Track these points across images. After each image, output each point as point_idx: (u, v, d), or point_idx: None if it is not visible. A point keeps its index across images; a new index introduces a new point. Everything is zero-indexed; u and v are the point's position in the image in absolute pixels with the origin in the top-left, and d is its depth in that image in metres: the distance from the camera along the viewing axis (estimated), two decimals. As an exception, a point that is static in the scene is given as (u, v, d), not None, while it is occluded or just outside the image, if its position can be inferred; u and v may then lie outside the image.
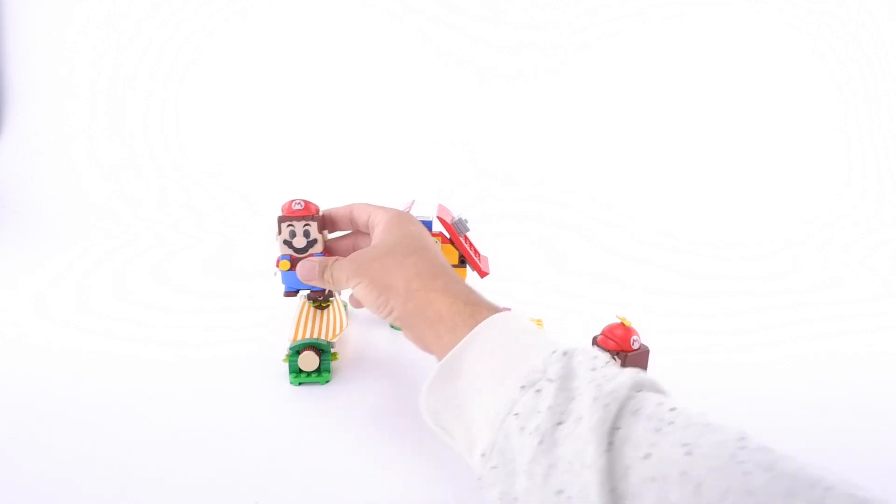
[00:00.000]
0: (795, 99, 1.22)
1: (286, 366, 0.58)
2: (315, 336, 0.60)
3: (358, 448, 0.46)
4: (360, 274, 0.45)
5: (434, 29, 1.22)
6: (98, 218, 1.08)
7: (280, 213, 0.51)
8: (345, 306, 0.68)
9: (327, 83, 1.22)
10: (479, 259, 0.71)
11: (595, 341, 0.49)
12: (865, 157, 1.22)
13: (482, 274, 0.68)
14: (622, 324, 0.48)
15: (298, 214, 0.51)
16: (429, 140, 1.22)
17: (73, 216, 1.08)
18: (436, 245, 0.48)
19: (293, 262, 0.51)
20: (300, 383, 0.56)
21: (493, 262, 0.74)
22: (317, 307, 0.68)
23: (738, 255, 0.99)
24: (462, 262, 0.67)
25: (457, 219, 0.66)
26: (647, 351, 0.48)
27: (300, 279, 0.48)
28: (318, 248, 0.52)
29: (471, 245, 0.70)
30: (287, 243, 0.51)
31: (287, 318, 0.68)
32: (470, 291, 0.43)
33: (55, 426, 0.48)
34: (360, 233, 0.54)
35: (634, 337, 0.47)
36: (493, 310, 0.40)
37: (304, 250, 0.51)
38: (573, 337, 0.66)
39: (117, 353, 0.61)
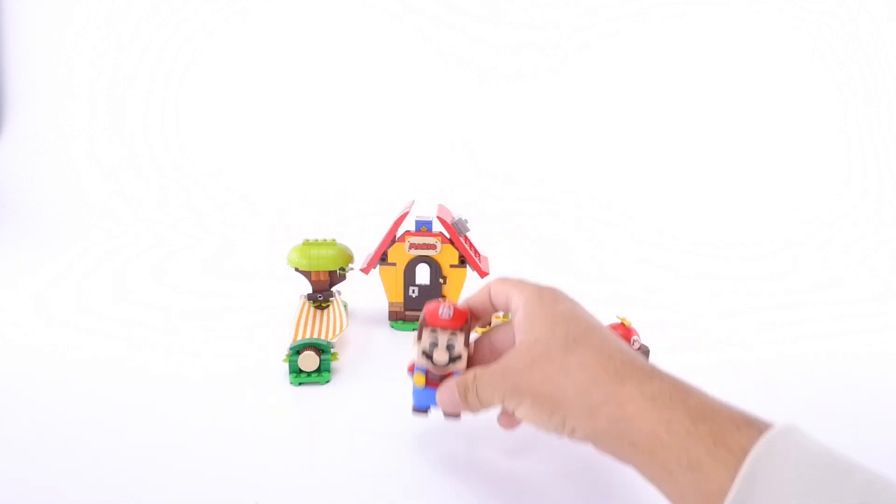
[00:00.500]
0: (795, 98, 1.22)
1: (286, 366, 0.58)
2: (315, 336, 0.60)
3: (358, 448, 0.46)
4: (516, 391, 0.35)
5: (434, 29, 1.22)
6: (98, 218, 1.08)
7: (422, 316, 0.43)
8: (345, 306, 0.68)
9: (327, 83, 1.22)
10: (479, 259, 0.71)
11: None
12: (865, 157, 1.22)
13: (482, 274, 0.68)
14: (622, 324, 0.48)
15: (445, 325, 0.42)
16: (429, 140, 1.22)
17: (74, 216, 1.08)
18: (597, 321, 0.37)
19: (428, 378, 0.43)
20: (300, 383, 0.56)
21: (493, 262, 0.74)
22: (317, 307, 0.68)
23: (738, 255, 0.99)
24: (462, 262, 0.67)
25: (457, 219, 0.66)
26: (648, 351, 0.48)
27: (441, 408, 0.42)
28: (462, 364, 0.42)
29: (471, 245, 0.70)
30: (426, 354, 0.43)
31: (287, 319, 0.68)
32: (682, 389, 0.31)
33: (55, 425, 0.48)
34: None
35: (635, 337, 0.47)
36: (741, 424, 0.28)
37: (444, 366, 0.43)
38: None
39: (117, 354, 0.61)
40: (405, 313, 0.69)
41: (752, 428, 0.28)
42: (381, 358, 0.62)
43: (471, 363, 0.43)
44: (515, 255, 0.95)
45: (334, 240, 0.68)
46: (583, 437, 0.33)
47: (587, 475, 0.44)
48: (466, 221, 0.67)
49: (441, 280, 0.67)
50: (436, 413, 0.43)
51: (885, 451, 0.48)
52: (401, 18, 1.21)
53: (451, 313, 0.42)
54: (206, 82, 1.22)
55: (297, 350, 0.55)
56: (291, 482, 0.42)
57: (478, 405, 0.38)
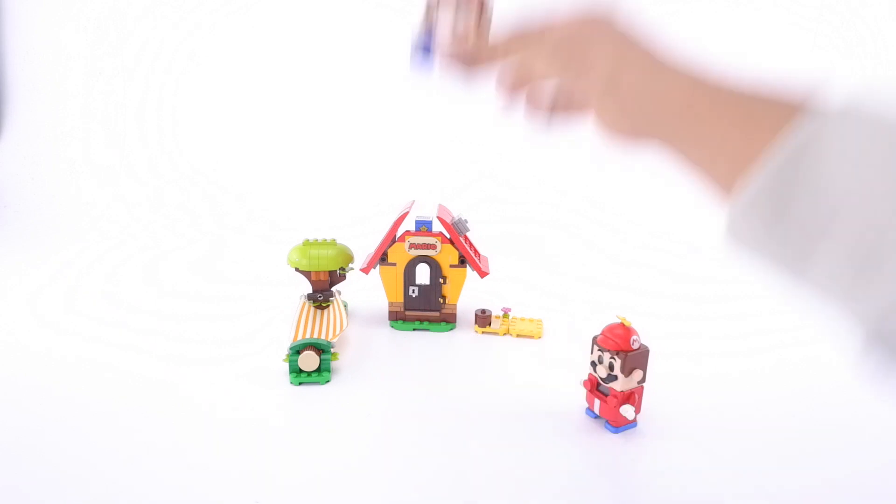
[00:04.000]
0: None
1: (286, 366, 0.58)
2: (315, 336, 0.60)
3: (358, 448, 0.46)
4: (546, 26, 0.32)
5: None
6: (97, 219, 1.08)
7: None
8: (345, 306, 0.68)
9: (327, 83, 1.22)
10: (479, 259, 0.71)
11: (595, 341, 0.49)
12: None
13: (482, 274, 0.68)
14: (622, 324, 0.48)
15: None
16: (429, 140, 1.22)
17: (73, 216, 1.08)
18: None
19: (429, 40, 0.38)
20: (300, 383, 0.56)
21: (493, 262, 0.74)
22: (317, 307, 0.68)
23: (739, 257, 0.99)
24: (462, 262, 0.67)
25: (457, 219, 0.67)
26: (647, 351, 0.48)
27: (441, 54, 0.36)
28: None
29: (471, 245, 0.70)
30: (427, 28, 0.37)
31: (287, 319, 0.68)
32: (714, 71, 0.29)
33: (56, 425, 0.48)
34: None
35: (634, 337, 0.47)
36: (776, 104, 0.26)
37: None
38: (573, 336, 0.67)
39: (117, 354, 0.61)
40: (405, 313, 0.69)
41: (785, 104, 0.25)
42: (381, 358, 0.62)
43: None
44: (515, 256, 0.95)
45: (334, 240, 0.68)
46: (601, 92, 0.30)
47: (590, 475, 0.44)
48: (466, 221, 0.67)
49: (441, 280, 0.67)
50: (436, 75, 0.39)
51: (887, 452, 0.48)
52: (401, 18, 1.21)
53: None
54: (205, 82, 1.22)
55: (297, 350, 0.55)
56: (291, 482, 0.42)
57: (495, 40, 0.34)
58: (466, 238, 0.69)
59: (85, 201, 1.12)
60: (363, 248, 0.71)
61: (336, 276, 0.68)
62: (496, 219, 1.09)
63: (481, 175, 1.19)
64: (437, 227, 0.67)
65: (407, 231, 0.66)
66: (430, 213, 0.68)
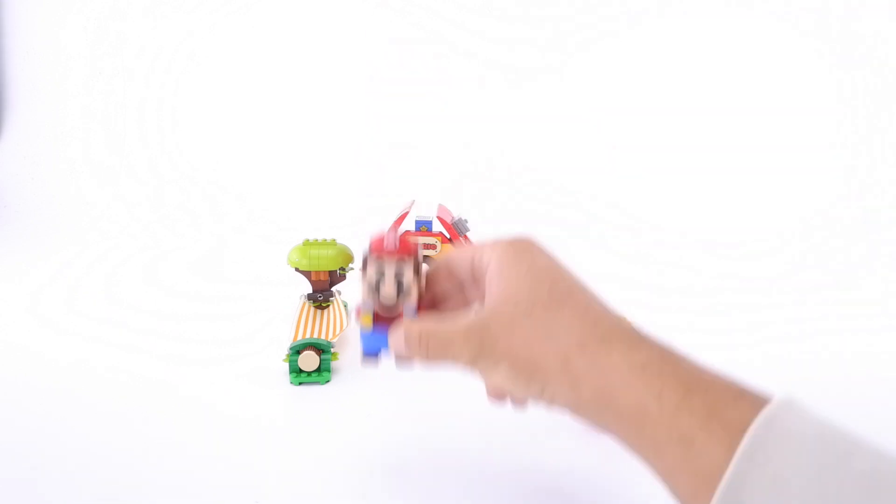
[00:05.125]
0: (796, 96, 1.22)
1: (286, 366, 0.58)
2: (315, 336, 0.60)
3: (358, 448, 0.46)
4: (491, 354, 0.31)
5: (434, 28, 1.22)
6: (97, 219, 1.08)
7: (366, 249, 0.40)
8: (345, 306, 0.68)
9: (326, 82, 1.22)
10: (479, 259, 0.71)
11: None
12: (865, 157, 1.22)
13: (482, 274, 0.68)
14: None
15: (392, 254, 0.38)
16: (429, 140, 1.22)
17: (74, 217, 1.08)
18: (579, 278, 0.34)
19: (378, 318, 0.39)
20: (300, 383, 0.56)
21: (493, 262, 0.74)
22: (317, 307, 0.68)
23: (739, 254, 0.99)
24: (462, 262, 0.67)
25: (457, 219, 0.67)
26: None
27: (395, 355, 0.38)
28: (412, 300, 0.38)
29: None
30: (373, 289, 0.38)
31: (287, 319, 0.68)
32: (673, 357, 0.29)
33: (56, 425, 0.48)
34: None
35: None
36: (737, 396, 0.26)
37: (392, 303, 0.38)
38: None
39: (117, 354, 0.61)
40: (405, 313, 0.69)
41: (749, 401, 0.26)
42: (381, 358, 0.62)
43: (423, 299, 0.39)
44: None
45: (334, 240, 0.68)
46: (563, 405, 0.30)
47: (591, 475, 0.44)
48: (466, 221, 0.67)
49: (441, 280, 0.67)
50: (388, 360, 0.39)
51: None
52: (401, 17, 1.21)
53: (398, 244, 0.38)
54: (205, 83, 1.22)
55: (297, 350, 0.55)
56: (291, 482, 0.42)
57: (440, 361, 0.34)
58: (466, 238, 0.69)
59: (85, 201, 1.12)
60: (363, 248, 0.71)
61: (336, 276, 0.68)
62: (496, 219, 1.09)
63: (481, 175, 1.19)
64: (437, 227, 0.67)
65: (407, 231, 0.66)
66: (430, 213, 0.68)
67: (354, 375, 0.58)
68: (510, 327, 0.31)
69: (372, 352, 0.40)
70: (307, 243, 0.67)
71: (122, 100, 1.21)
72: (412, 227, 0.66)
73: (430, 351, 0.34)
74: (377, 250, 0.39)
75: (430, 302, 0.39)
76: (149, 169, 1.18)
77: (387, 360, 0.39)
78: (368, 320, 0.39)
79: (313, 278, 0.67)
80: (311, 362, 0.55)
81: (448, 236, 0.66)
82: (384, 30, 1.21)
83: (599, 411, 0.29)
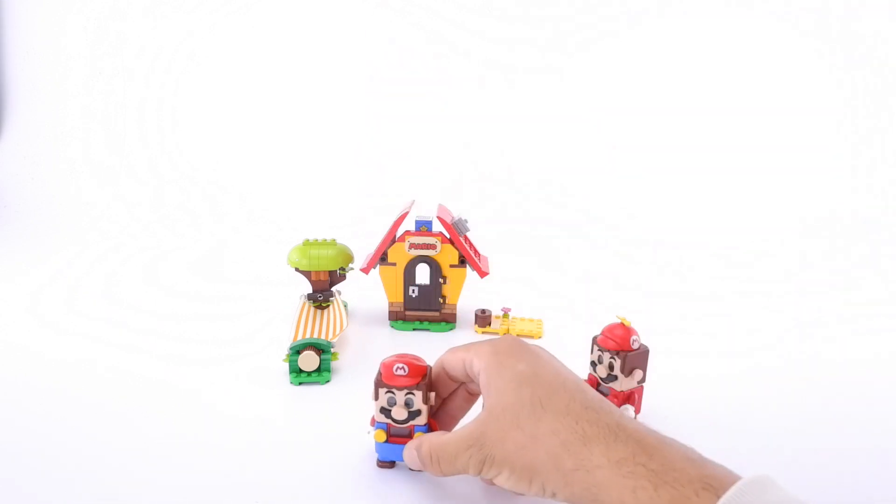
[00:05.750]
0: (796, 97, 1.22)
1: (286, 366, 0.58)
2: (315, 336, 0.60)
3: (358, 448, 0.46)
4: (492, 463, 0.35)
5: (435, 27, 1.22)
6: (97, 219, 1.08)
7: (378, 374, 0.43)
8: (345, 306, 0.68)
9: (326, 82, 1.22)
10: (479, 259, 0.71)
11: (595, 341, 0.49)
12: (867, 157, 1.22)
13: (482, 274, 0.68)
14: (622, 324, 0.48)
15: (401, 383, 0.41)
16: (429, 140, 1.22)
17: (73, 217, 1.08)
18: (559, 373, 0.37)
19: (390, 433, 0.43)
20: (300, 383, 0.56)
21: (493, 262, 0.74)
22: (317, 307, 0.68)
23: (739, 256, 0.99)
24: (462, 262, 0.67)
25: (457, 219, 0.67)
26: (647, 351, 0.48)
27: (408, 465, 0.42)
28: (422, 420, 0.42)
29: (471, 245, 0.70)
30: (384, 411, 0.42)
31: (287, 319, 0.68)
32: (646, 450, 0.32)
33: (56, 425, 0.48)
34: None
35: (634, 337, 0.47)
36: (700, 489, 0.29)
37: (404, 422, 0.42)
38: (573, 336, 0.67)
39: (118, 354, 0.61)
40: (405, 313, 0.69)
41: (712, 492, 0.29)
42: (381, 358, 0.62)
43: (434, 418, 0.44)
44: (515, 255, 0.95)
45: (334, 240, 0.68)
46: (563, 499, 0.34)
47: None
48: (466, 221, 0.67)
49: (441, 280, 0.67)
50: (402, 466, 0.43)
51: (888, 455, 0.48)
52: (400, 16, 1.21)
53: (407, 370, 0.42)
54: (205, 83, 1.22)
55: (297, 350, 0.55)
56: (291, 482, 0.42)
57: (448, 473, 0.38)
58: (466, 238, 0.69)
59: (85, 201, 1.12)
60: (363, 248, 0.71)
61: (336, 276, 0.68)
62: (496, 219, 1.09)
63: (481, 175, 1.19)
64: (437, 227, 0.67)
65: (407, 231, 0.66)
66: (430, 213, 0.68)
67: (354, 375, 0.58)
68: (503, 438, 0.35)
69: (386, 459, 0.44)
70: (307, 243, 0.67)
71: (122, 100, 1.21)
72: (412, 227, 0.66)
73: (442, 467, 0.38)
74: (388, 380, 0.42)
75: (439, 404, 0.45)
76: (149, 169, 1.18)
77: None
78: (382, 436, 0.43)
79: (313, 278, 0.67)
80: (311, 362, 0.55)
81: (448, 236, 0.66)
82: (384, 30, 1.21)
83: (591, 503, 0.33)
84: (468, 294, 0.71)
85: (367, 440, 0.46)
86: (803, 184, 1.18)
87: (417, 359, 0.43)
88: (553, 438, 0.34)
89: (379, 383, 0.42)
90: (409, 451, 0.41)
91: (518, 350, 0.39)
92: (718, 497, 0.28)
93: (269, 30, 1.21)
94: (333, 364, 0.59)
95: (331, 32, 1.21)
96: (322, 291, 0.68)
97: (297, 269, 0.67)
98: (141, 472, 0.43)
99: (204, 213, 1.11)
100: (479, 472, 0.36)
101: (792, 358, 0.64)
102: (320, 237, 0.69)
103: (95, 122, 1.20)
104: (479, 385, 0.39)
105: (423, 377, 0.42)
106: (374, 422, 0.43)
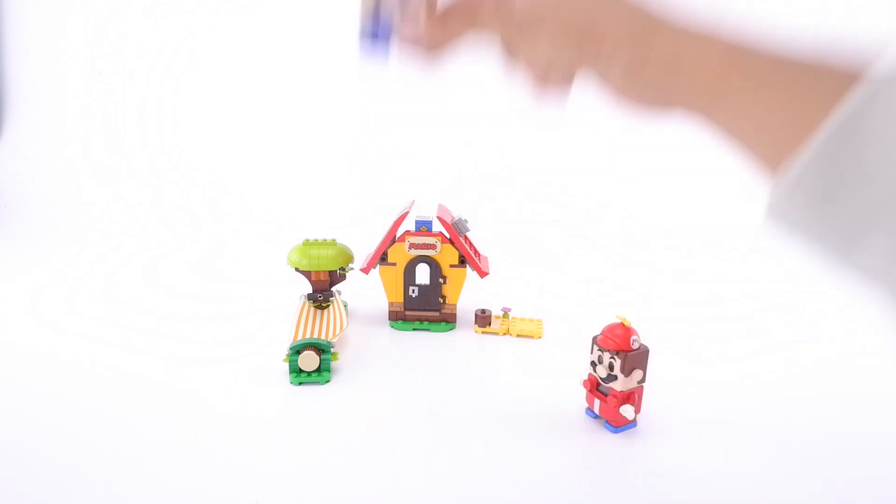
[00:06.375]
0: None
1: (286, 366, 0.58)
2: (315, 336, 0.60)
3: (358, 448, 0.46)
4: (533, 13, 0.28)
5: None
6: (97, 219, 1.08)
7: None
8: (345, 306, 0.68)
9: (327, 83, 1.22)
10: (479, 259, 0.71)
11: (595, 341, 0.49)
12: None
13: (482, 274, 0.68)
14: (622, 324, 0.48)
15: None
16: (429, 140, 1.22)
17: (74, 217, 1.08)
18: None
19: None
20: (300, 383, 0.56)
21: (493, 262, 0.74)
22: (317, 307, 0.68)
23: (738, 257, 0.99)
24: (462, 261, 0.67)
25: (457, 219, 0.67)
26: (647, 351, 0.48)
27: (401, 35, 0.32)
28: None
29: (471, 245, 0.70)
30: None
31: (287, 319, 0.68)
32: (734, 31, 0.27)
33: (56, 425, 0.48)
34: None
35: (634, 337, 0.47)
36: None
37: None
38: (573, 336, 0.67)
39: (118, 354, 0.61)
40: (405, 313, 0.69)
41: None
42: (381, 358, 0.62)
43: None
44: (515, 255, 0.95)
45: (334, 240, 0.68)
46: (618, 77, 0.28)
47: (590, 475, 0.44)
48: (466, 221, 0.67)
49: (441, 280, 0.67)
50: (390, 55, 0.34)
51: (888, 456, 0.48)
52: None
53: None
54: (205, 83, 1.22)
55: (297, 350, 0.55)
56: (291, 481, 0.42)
57: (463, 31, 0.30)
58: (466, 238, 0.69)
59: (85, 201, 1.12)
60: (363, 248, 0.71)
61: (336, 276, 0.68)
62: (496, 219, 1.09)
63: (481, 175, 1.19)
64: (437, 227, 0.67)
65: (407, 231, 0.66)
66: (430, 213, 0.68)
67: (354, 375, 0.58)
68: None
69: (373, 37, 0.32)
70: (307, 243, 0.67)
71: (122, 100, 1.21)
72: (412, 227, 0.66)
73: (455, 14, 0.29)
74: None
75: None
76: (149, 169, 1.18)
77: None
78: None
79: (313, 278, 0.67)
80: (311, 362, 0.55)
81: (448, 236, 0.66)
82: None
83: (668, 77, 0.27)
84: (468, 294, 0.71)
85: (367, 439, 0.46)
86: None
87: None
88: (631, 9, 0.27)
89: None
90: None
91: None
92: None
93: (269, 30, 1.21)
94: (333, 364, 0.59)
95: (331, 32, 1.21)
96: (322, 291, 0.68)
97: (297, 269, 0.67)
98: (141, 471, 0.43)
99: (204, 213, 1.11)
100: (515, 28, 0.29)
101: (794, 360, 0.64)
102: (320, 237, 0.69)
103: (95, 122, 1.20)
104: None
105: None
106: None
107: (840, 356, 0.65)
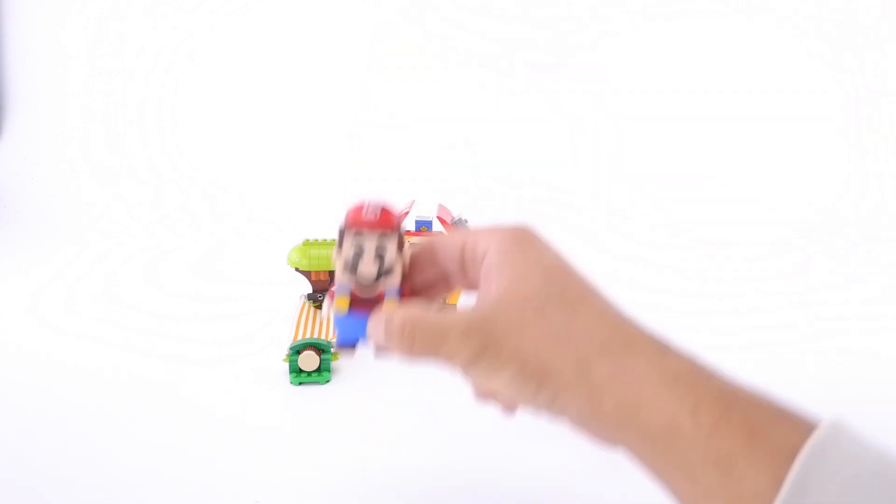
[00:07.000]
0: (796, 97, 1.22)
1: (286, 366, 0.58)
2: (315, 336, 0.60)
3: (358, 448, 0.46)
4: (496, 356, 0.26)
5: (435, 28, 1.22)
6: (97, 219, 1.08)
7: (342, 222, 0.33)
8: (345, 306, 0.68)
9: (326, 82, 1.22)
10: (479, 259, 0.71)
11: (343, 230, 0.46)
12: (866, 157, 1.22)
13: (482, 274, 0.68)
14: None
15: (373, 226, 0.32)
16: (429, 140, 1.22)
17: (74, 217, 1.08)
18: (591, 281, 0.29)
19: (355, 302, 0.33)
20: (300, 383, 0.56)
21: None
22: (317, 307, 0.68)
23: (741, 255, 0.99)
24: (462, 262, 0.67)
25: (457, 219, 0.67)
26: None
27: (374, 345, 0.32)
28: (395, 279, 0.32)
29: (471, 245, 0.70)
30: (349, 267, 0.32)
31: (287, 319, 0.68)
32: (705, 369, 0.26)
33: (55, 425, 0.48)
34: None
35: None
36: (778, 417, 0.24)
37: (372, 283, 0.32)
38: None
39: (117, 354, 0.61)
40: (405, 313, 0.69)
41: (792, 422, 0.23)
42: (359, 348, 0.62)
43: (407, 282, 0.33)
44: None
45: (334, 240, 0.68)
46: (575, 417, 0.27)
47: (590, 474, 0.44)
48: (466, 221, 0.67)
49: (441, 280, 0.67)
50: (366, 349, 0.34)
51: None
52: (403, 17, 1.21)
53: (379, 215, 0.32)
54: (205, 83, 1.22)
55: (297, 350, 0.55)
56: (291, 482, 0.42)
57: (421, 355, 0.28)
58: (466, 238, 0.68)
59: (85, 201, 1.12)
60: (339, 221, 0.70)
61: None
62: (496, 219, 1.09)
63: (481, 175, 1.19)
64: (437, 227, 0.67)
65: (407, 231, 0.66)
66: (430, 213, 0.68)
67: (354, 375, 0.58)
68: (519, 327, 0.26)
69: (348, 341, 0.34)
70: (307, 243, 0.67)
71: (122, 100, 1.21)
72: (412, 227, 0.66)
73: (417, 344, 0.28)
74: (355, 223, 0.32)
75: (409, 290, 0.33)
76: (149, 169, 1.18)
77: (365, 351, 0.34)
78: (344, 304, 0.33)
79: (313, 278, 0.67)
80: (311, 362, 0.55)
81: (448, 236, 0.66)
82: (384, 30, 1.21)
83: (621, 426, 0.25)
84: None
85: (367, 439, 0.46)
86: (805, 183, 1.18)
87: (391, 207, 0.34)
88: (586, 339, 0.26)
89: (343, 231, 0.33)
90: (377, 319, 0.30)
91: (541, 239, 0.30)
92: (805, 429, 0.23)
93: (269, 30, 1.21)
94: (333, 364, 0.59)
95: (331, 32, 1.21)
96: (322, 291, 0.68)
97: (297, 269, 0.67)
98: (141, 471, 0.43)
99: (204, 213, 1.11)
100: (469, 366, 0.27)
101: (797, 357, 0.64)
102: (320, 237, 0.69)
103: (95, 122, 1.20)
104: (478, 271, 0.30)
105: (397, 226, 0.33)
106: (331, 294, 0.33)
107: (843, 357, 0.65)
